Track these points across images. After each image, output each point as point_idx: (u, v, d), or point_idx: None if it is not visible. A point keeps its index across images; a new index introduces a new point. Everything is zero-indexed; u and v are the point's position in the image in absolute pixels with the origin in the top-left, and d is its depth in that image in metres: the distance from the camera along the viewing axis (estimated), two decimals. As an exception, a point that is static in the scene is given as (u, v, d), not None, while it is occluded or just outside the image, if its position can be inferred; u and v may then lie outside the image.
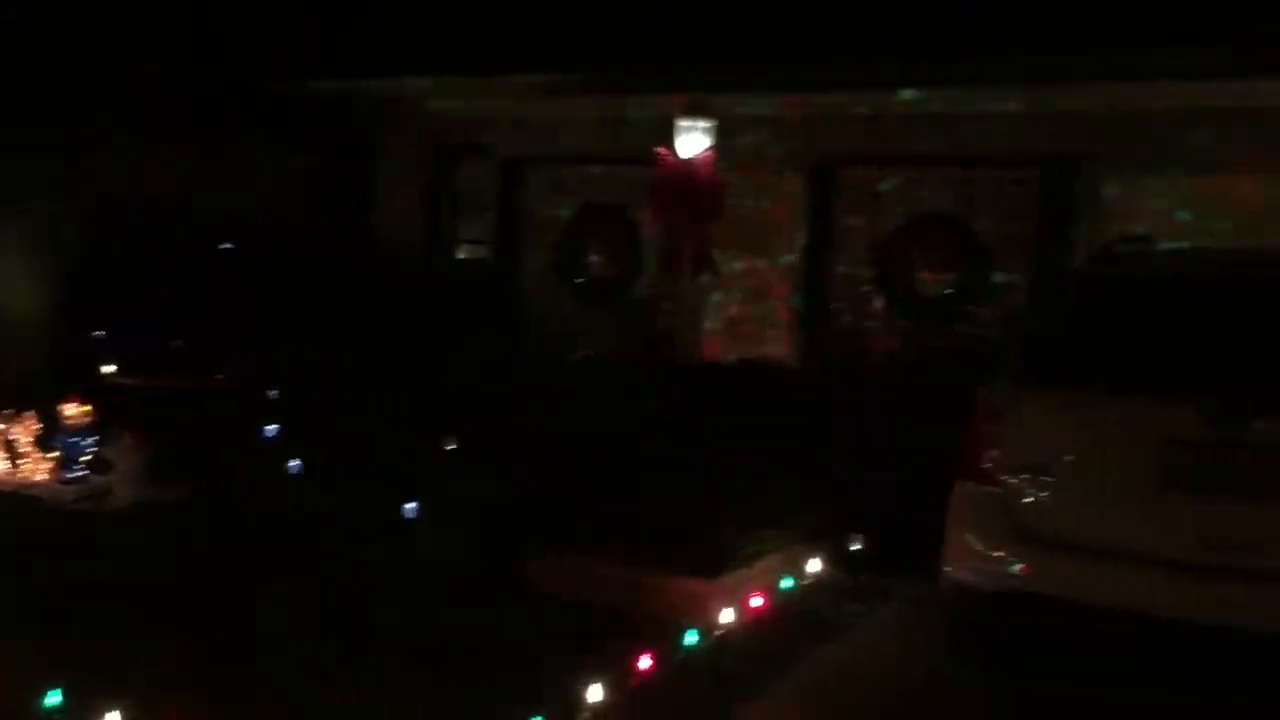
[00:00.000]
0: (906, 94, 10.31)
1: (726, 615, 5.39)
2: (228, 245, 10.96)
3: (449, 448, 7.72)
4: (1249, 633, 4.51)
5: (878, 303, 10.92)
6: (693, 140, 8.86)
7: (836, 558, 6.50)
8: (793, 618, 5.73)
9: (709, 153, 8.76)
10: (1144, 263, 5.64)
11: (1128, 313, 5.18)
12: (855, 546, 6.78)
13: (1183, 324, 5.06)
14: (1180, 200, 9.77)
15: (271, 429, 7.92)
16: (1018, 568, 4.94)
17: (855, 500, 7.66)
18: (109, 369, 9.39)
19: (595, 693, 4.41)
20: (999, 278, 10.33)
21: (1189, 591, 4.60)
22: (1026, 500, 4.96)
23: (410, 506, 6.62)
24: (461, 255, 12.99)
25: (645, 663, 4.73)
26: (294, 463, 7.44)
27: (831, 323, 11.04)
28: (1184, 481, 4.65)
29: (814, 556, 6.35)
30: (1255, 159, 9.38)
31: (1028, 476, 4.95)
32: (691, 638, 5.09)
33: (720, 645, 5.18)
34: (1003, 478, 5.00)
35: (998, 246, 10.43)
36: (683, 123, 9.09)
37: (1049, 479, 4.93)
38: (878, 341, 10.96)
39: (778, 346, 11.23)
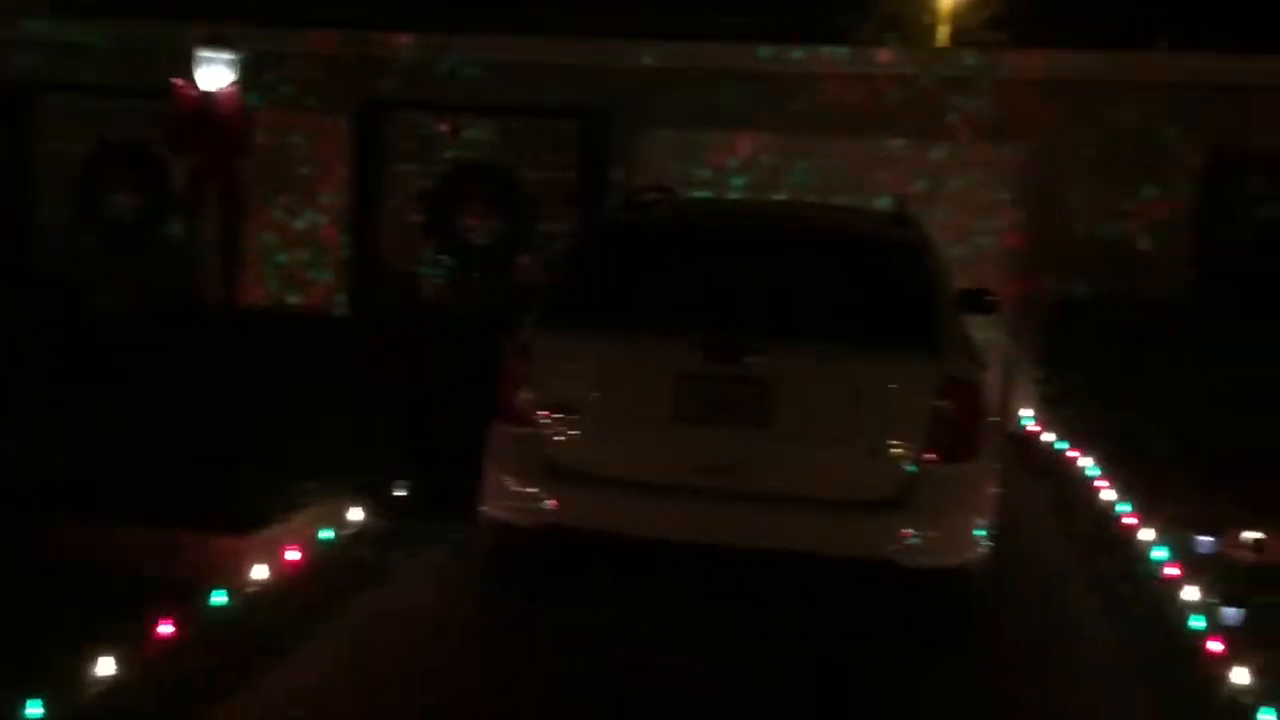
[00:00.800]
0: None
1: (260, 572, 5.21)
2: None
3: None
4: (753, 551, 4.99)
5: (428, 249, 10.93)
6: (214, 73, 8.32)
7: (381, 505, 6.46)
8: (334, 569, 5.63)
9: (233, 87, 8.27)
10: (661, 212, 6.01)
11: (644, 258, 5.51)
12: (400, 493, 6.77)
13: (693, 269, 5.46)
14: (704, 154, 10.56)
15: None
16: (550, 503, 5.14)
17: (402, 446, 7.67)
18: None
19: (106, 666, 4.10)
20: (545, 226, 10.67)
21: (700, 515, 5.00)
22: (557, 438, 5.16)
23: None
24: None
25: (165, 629, 4.46)
26: None
27: (382, 269, 10.91)
28: (692, 414, 5.04)
29: (356, 505, 6.26)
30: (768, 118, 10.32)
31: (557, 415, 5.16)
32: (219, 598, 4.86)
33: (251, 603, 5.00)
34: (534, 417, 5.17)
35: (543, 195, 10.77)
36: (203, 53, 8.51)
37: (576, 417, 5.16)
38: (429, 288, 10.98)
39: (328, 292, 10.96)
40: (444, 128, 10.93)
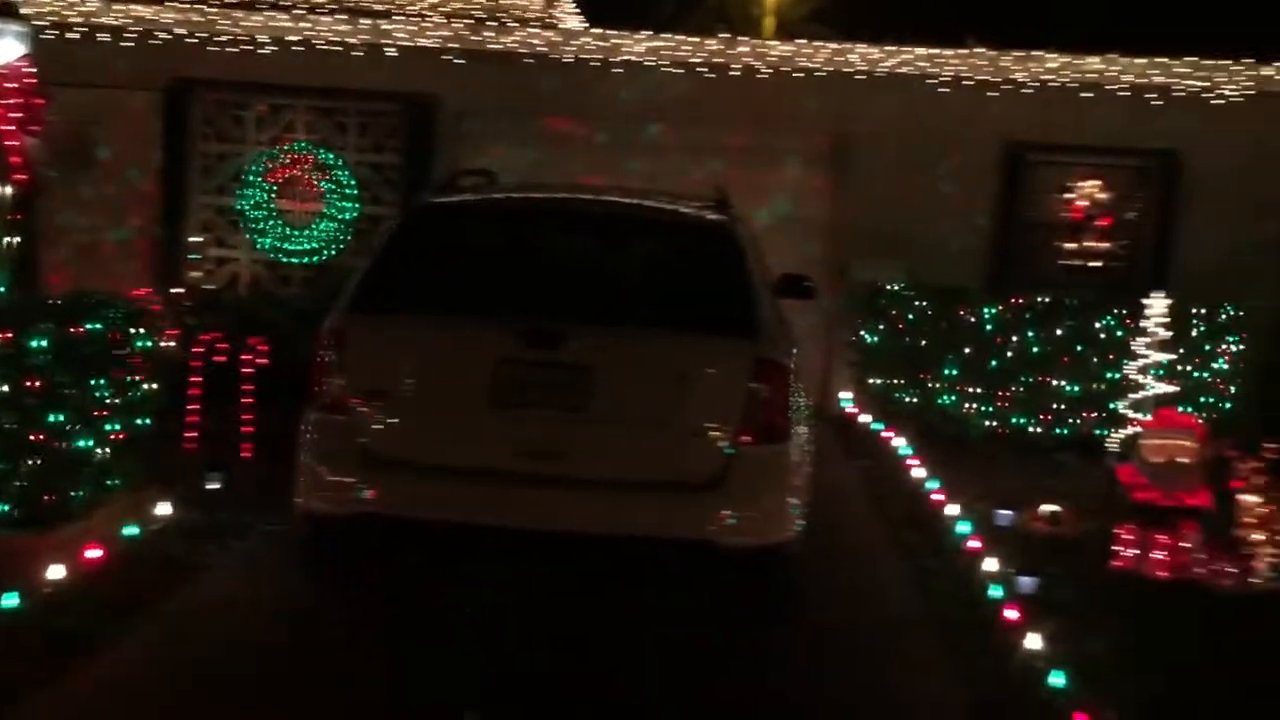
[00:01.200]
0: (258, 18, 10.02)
1: (56, 572, 4.95)
2: None
3: None
4: (570, 534, 5.00)
5: (244, 233, 10.58)
6: (3, 45, 7.81)
7: (192, 499, 6.23)
8: (141, 565, 5.40)
9: (22, 60, 7.78)
10: (480, 196, 5.95)
11: (462, 242, 5.45)
12: (214, 485, 6.55)
13: (511, 254, 5.44)
14: (532, 141, 10.53)
15: None
16: (367, 492, 5.04)
17: (215, 437, 7.43)
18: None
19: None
20: (368, 211, 10.46)
21: (520, 501, 4.98)
22: (374, 425, 5.05)
23: None
24: None
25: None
26: None
27: (190, 252, 10.50)
28: (511, 400, 5.01)
29: (164, 500, 6.02)
30: (595, 106, 10.36)
31: (372, 402, 5.06)
32: (10, 600, 4.60)
33: (48, 605, 4.75)
34: (348, 404, 5.06)
35: (367, 179, 10.55)
36: (-9, 24, 7.96)
37: (392, 403, 5.07)
38: (246, 274, 10.64)
39: (136, 277, 10.46)
40: (261, 108, 10.59)
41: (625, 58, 10.09)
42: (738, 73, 10.11)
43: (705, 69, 10.14)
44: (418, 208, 5.69)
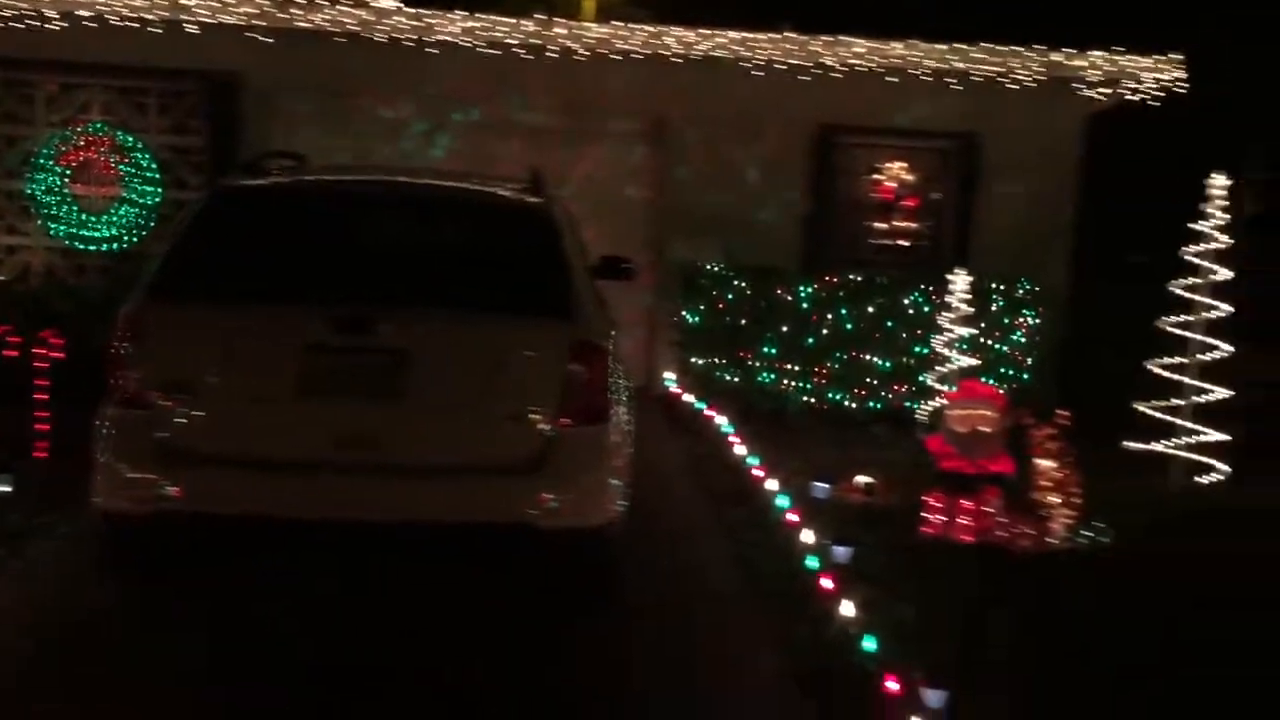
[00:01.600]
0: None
1: None
2: None
3: None
4: (387, 524, 4.89)
5: (36, 220, 9.98)
6: None
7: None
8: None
9: None
10: (286, 178, 5.74)
11: (268, 226, 5.24)
12: (3, 488, 6.16)
13: (320, 237, 5.26)
14: (343, 122, 10.26)
15: None
16: (171, 489, 4.81)
17: (4, 437, 6.99)
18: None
19: None
20: (173, 194, 10.00)
21: (335, 492, 4.84)
22: (176, 419, 4.83)
23: None
24: None
25: None
26: None
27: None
28: (323, 388, 4.85)
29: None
30: (409, 86, 10.15)
31: (174, 394, 4.83)
32: None
33: None
34: (147, 398, 4.82)
35: (169, 161, 10.09)
36: None
37: (196, 395, 4.85)
38: (34, 262, 10.04)
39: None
40: (51, 87, 10.00)
41: (440, 37, 9.91)
42: (555, 55, 10.06)
43: (522, 50, 10.05)
44: (218, 190, 5.45)
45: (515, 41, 9.99)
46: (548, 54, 10.04)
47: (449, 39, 9.91)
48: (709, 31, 9.87)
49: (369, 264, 5.23)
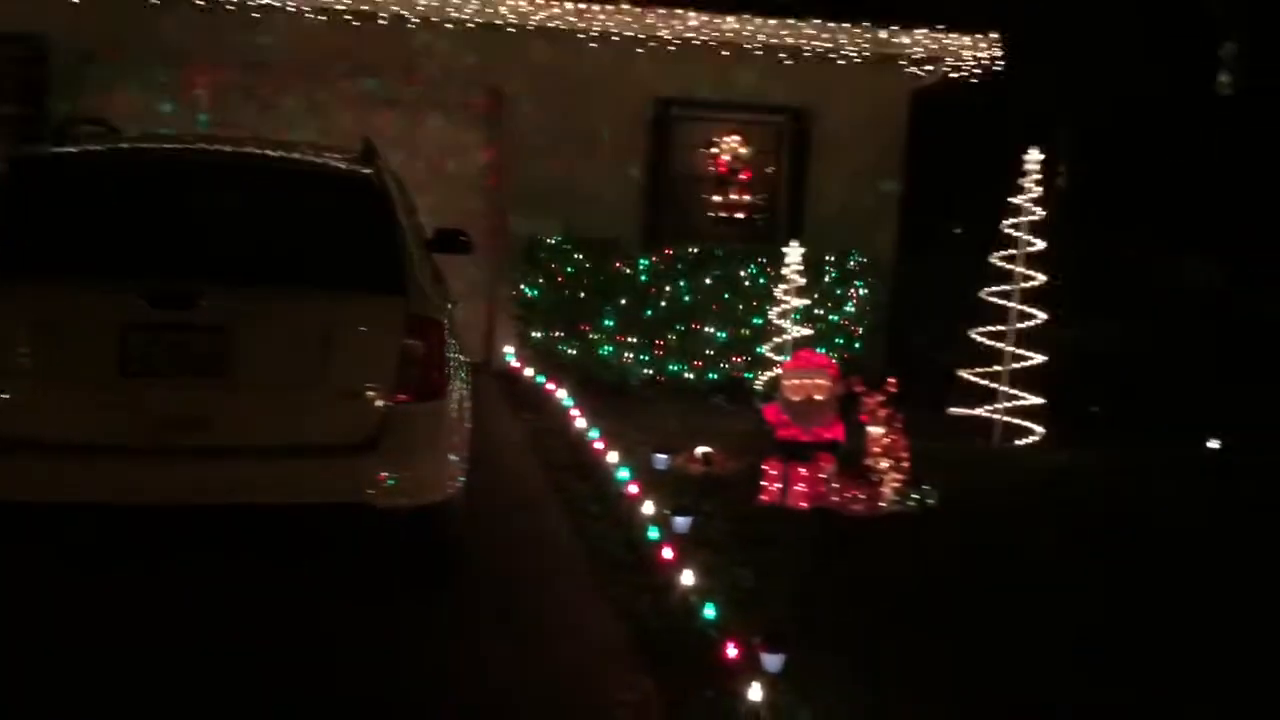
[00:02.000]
0: None
1: None
2: None
3: None
4: (214, 508, 4.70)
5: None
6: None
7: None
8: None
9: None
10: (95, 147, 5.42)
11: (76, 199, 4.94)
12: None
13: (133, 210, 4.99)
14: (161, 89, 9.80)
15: None
16: (-21, 477, 4.53)
17: None
18: None
19: None
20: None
21: (159, 476, 4.63)
22: (-15, 404, 4.55)
23: None
24: None
25: None
26: None
27: None
28: (143, 368, 4.63)
29: None
30: (232, 53, 9.75)
31: (-19, 378, 4.54)
32: None
33: None
34: (-50, 382, 4.52)
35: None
36: None
37: (5, 378, 4.57)
38: None
39: None
40: None
41: (263, 1, 9.54)
42: (385, 22, 9.81)
43: (350, 17, 9.77)
44: (16, 160, 5.10)
45: (344, 8, 9.69)
46: (379, 21, 9.79)
47: (274, 3, 9.55)
48: (544, 1, 9.78)
49: (191, 237, 5.00)
